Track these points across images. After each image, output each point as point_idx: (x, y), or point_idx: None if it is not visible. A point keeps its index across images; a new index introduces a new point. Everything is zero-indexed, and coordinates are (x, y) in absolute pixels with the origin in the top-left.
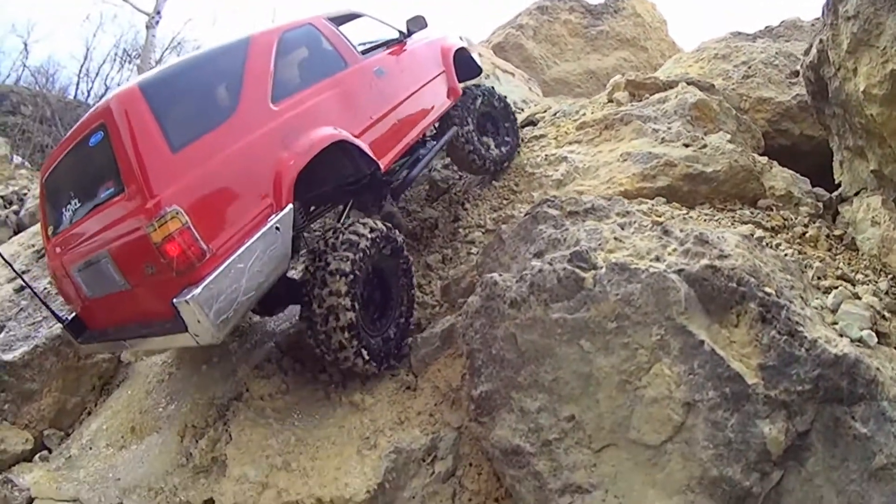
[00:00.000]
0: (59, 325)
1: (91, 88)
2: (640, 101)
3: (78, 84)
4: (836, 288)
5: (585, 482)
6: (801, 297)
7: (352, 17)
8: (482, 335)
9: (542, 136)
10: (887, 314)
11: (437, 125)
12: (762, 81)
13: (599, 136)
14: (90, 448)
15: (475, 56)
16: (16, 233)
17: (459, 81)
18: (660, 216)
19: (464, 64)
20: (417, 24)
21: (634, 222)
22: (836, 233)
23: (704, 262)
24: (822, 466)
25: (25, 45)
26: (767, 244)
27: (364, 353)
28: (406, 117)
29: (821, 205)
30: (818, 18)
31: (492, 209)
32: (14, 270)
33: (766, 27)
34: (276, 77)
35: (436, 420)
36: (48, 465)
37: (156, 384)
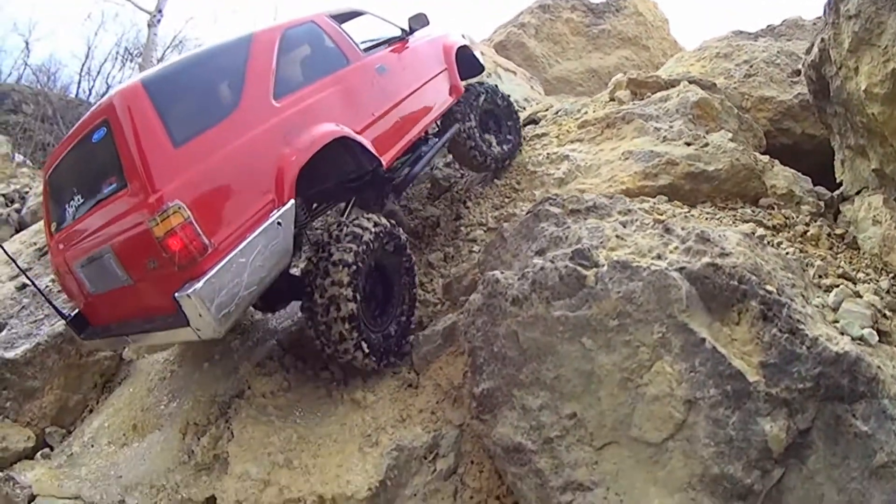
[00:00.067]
0: (62, 322)
1: (92, 87)
2: (642, 99)
3: (79, 82)
4: (838, 286)
5: (587, 480)
6: (803, 296)
7: (354, 14)
8: (484, 333)
9: (543, 134)
10: (888, 313)
11: (439, 123)
12: (764, 80)
13: (601, 134)
14: (92, 445)
15: (477, 54)
16: (17, 231)
17: (462, 79)
18: (661, 214)
19: (466, 62)
20: (419, 21)
21: (636, 220)
22: (838, 231)
23: (706, 260)
24: (823, 464)
25: (27, 43)
26: (769, 242)
27: (364, 345)
28: (408, 114)
29: (822, 204)
30: (820, 17)
31: (493, 207)
32: (17, 266)
33: (768, 26)
34: (278, 74)
35: (437, 418)
36: (50, 463)
37: (157, 382)
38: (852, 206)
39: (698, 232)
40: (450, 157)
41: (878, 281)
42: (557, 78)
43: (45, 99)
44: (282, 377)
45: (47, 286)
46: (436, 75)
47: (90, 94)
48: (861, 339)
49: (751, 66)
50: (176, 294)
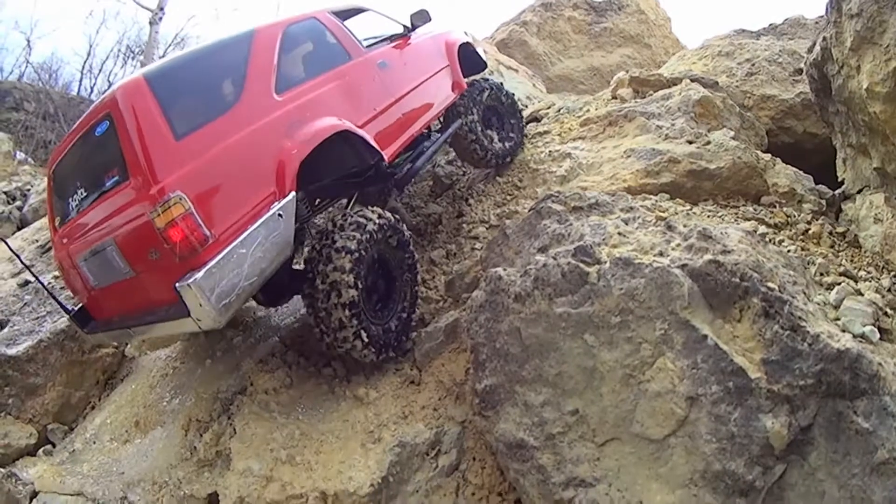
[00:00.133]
0: (64, 319)
1: (94, 85)
2: (644, 97)
3: (81, 80)
4: (839, 284)
5: (589, 476)
6: (804, 293)
7: (356, 11)
8: (486, 329)
9: (545, 132)
10: (889, 311)
11: (442, 119)
12: (766, 79)
13: (603, 132)
14: (94, 442)
15: (480, 51)
16: (19, 229)
17: (465, 76)
18: (663, 212)
19: (469, 59)
20: (421, 18)
21: (638, 218)
22: (839, 230)
23: (708, 257)
24: (825, 461)
25: (28, 41)
26: (770, 240)
27: (363, 334)
28: (410, 110)
29: (824, 202)
30: (822, 16)
31: (495, 205)
32: (21, 261)
33: (770, 25)
34: (280, 68)
35: (440, 414)
36: (52, 460)
37: (160, 378)
38: (854, 205)
39: (700, 229)
40: (452, 154)
41: (879, 279)
42: (559, 76)
43: (46, 97)
44: (284, 374)
45: (50, 283)
46: (438, 71)
47: (92, 91)
48: (862, 337)
49: (753, 65)
50: (177, 284)
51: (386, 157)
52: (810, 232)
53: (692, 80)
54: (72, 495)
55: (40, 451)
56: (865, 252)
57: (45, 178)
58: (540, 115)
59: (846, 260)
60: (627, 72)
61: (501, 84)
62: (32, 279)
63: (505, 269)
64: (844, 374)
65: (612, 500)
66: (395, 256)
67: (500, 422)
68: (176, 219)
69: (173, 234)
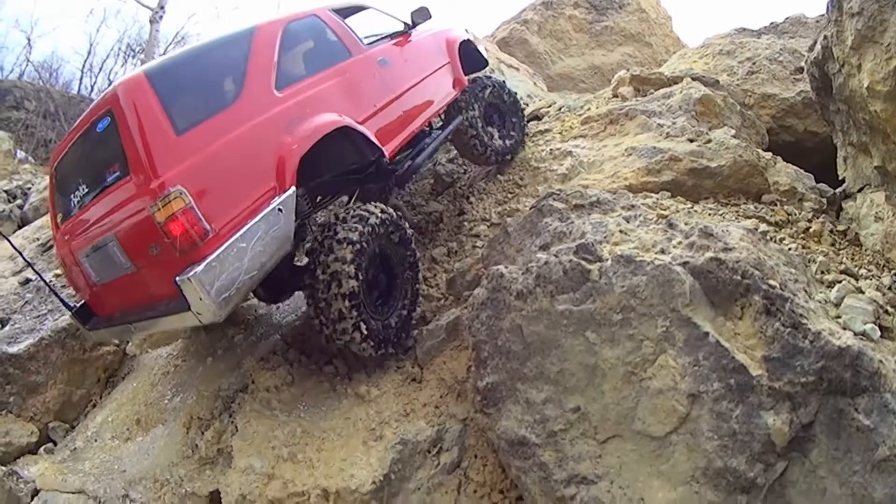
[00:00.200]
0: (65, 317)
1: (94, 83)
2: (645, 96)
3: (81, 79)
4: (840, 282)
5: (591, 473)
6: (805, 291)
7: (357, 9)
8: (488, 327)
9: (546, 130)
10: (890, 309)
11: (443, 116)
12: (767, 78)
13: (604, 130)
14: (95, 440)
15: (481, 48)
16: (20, 227)
17: (466, 73)
18: (664, 210)
19: (470, 56)
20: (422, 15)
21: (639, 216)
22: (840, 228)
23: (709, 254)
24: (826, 458)
25: (29, 40)
26: (771, 238)
27: (362, 327)
28: (410, 106)
29: (824, 200)
30: (823, 15)
31: (497, 203)
32: (24, 258)
33: (771, 24)
34: (280, 65)
35: (441, 412)
36: (53, 458)
37: (161, 376)
38: (854, 203)
39: (701, 227)
40: (453, 152)
41: (880, 277)
42: (560, 74)
43: (47, 95)
44: (285, 371)
45: (51, 281)
46: (438, 68)
47: (92, 90)
48: (863, 335)
49: (754, 64)
50: (177, 278)
51: (387, 154)
52: (811, 230)
53: (693, 79)
54: (73, 493)
55: (41, 449)
56: (866, 250)
57: (46, 177)
58: (541, 113)
59: (847, 258)
60: (628, 70)
61: (504, 82)
62: (33, 277)
63: (507, 267)
64: (846, 371)
65: (614, 497)
66: (396, 253)
67: (502, 419)
68: (176, 213)
69: (173, 229)
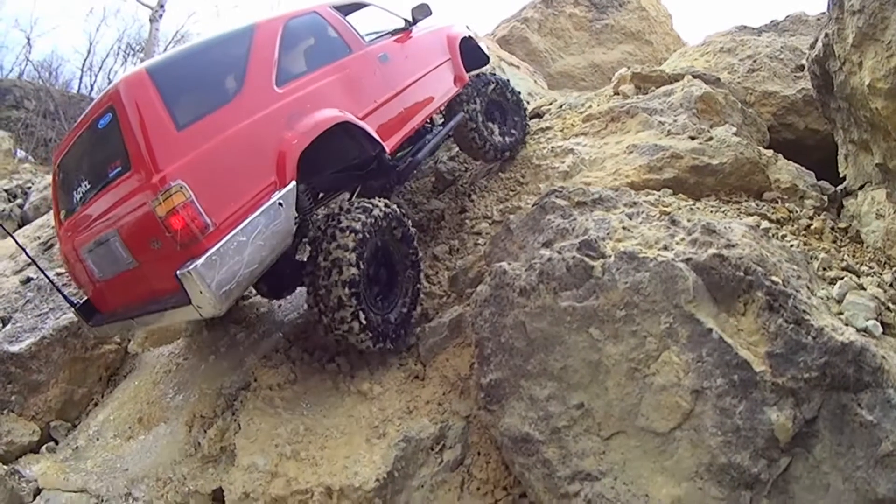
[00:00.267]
0: (67, 316)
1: (94, 82)
2: (646, 93)
3: (81, 78)
4: (842, 279)
5: (594, 469)
6: (808, 287)
7: (357, 6)
8: (491, 324)
9: (548, 128)
10: (892, 305)
11: (444, 113)
12: (767, 75)
13: (605, 128)
14: (97, 439)
15: (482, 45)
16: (20, 226)
17: (467, 70)
18: (667, 207)
19: (471, 53)
20: (422, 12)
21: (642, 212)
22: (841, 225)
23: (712, 251)
24: (829, 453)
25: (29, 39)
26: (773, 235)
27: (361, 316)
28: (411, 102)
29: (826, 198)
30: (824, 13)
31: (498, 200)
32: (27, 254)
33: (772, 21)
34: (280, 61)
35: (444, 409)
36: (55, 457)
37: (163, 375)
38: (856, 201)
39: (704, 224)
40: (454, 150)
41: (881, 274)
42: (560, 73)
43: (46, 95)
44: (288, 369)
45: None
46: (439, 65)
47: (92, 89)
48: (866, 331)
49: (754, 61)
50: (177, 271)
51: (387, 149)
52: (812, 227)
53: (694, 77)
54: (75, 492)
55: (43, 448)
56: (867, 247)
57: (46, 176)
58: (542, 111)
59: (848, 255)
60: (629, 68)
61: (508, 81)
62: (34, 276)
63: (510, 264)
64: (848, 367)
65: (618, 493)
66: (398, 249)
67: (506, 416)
68: (177, 207)
69: (174, 223)
